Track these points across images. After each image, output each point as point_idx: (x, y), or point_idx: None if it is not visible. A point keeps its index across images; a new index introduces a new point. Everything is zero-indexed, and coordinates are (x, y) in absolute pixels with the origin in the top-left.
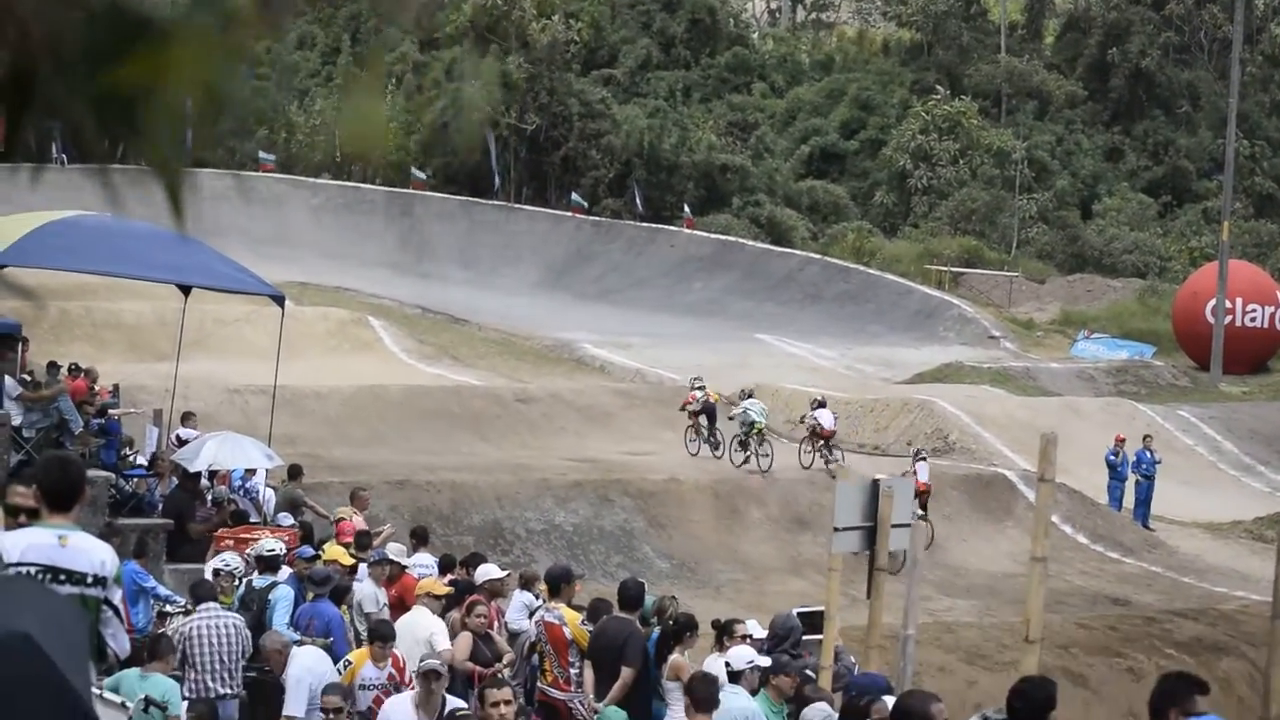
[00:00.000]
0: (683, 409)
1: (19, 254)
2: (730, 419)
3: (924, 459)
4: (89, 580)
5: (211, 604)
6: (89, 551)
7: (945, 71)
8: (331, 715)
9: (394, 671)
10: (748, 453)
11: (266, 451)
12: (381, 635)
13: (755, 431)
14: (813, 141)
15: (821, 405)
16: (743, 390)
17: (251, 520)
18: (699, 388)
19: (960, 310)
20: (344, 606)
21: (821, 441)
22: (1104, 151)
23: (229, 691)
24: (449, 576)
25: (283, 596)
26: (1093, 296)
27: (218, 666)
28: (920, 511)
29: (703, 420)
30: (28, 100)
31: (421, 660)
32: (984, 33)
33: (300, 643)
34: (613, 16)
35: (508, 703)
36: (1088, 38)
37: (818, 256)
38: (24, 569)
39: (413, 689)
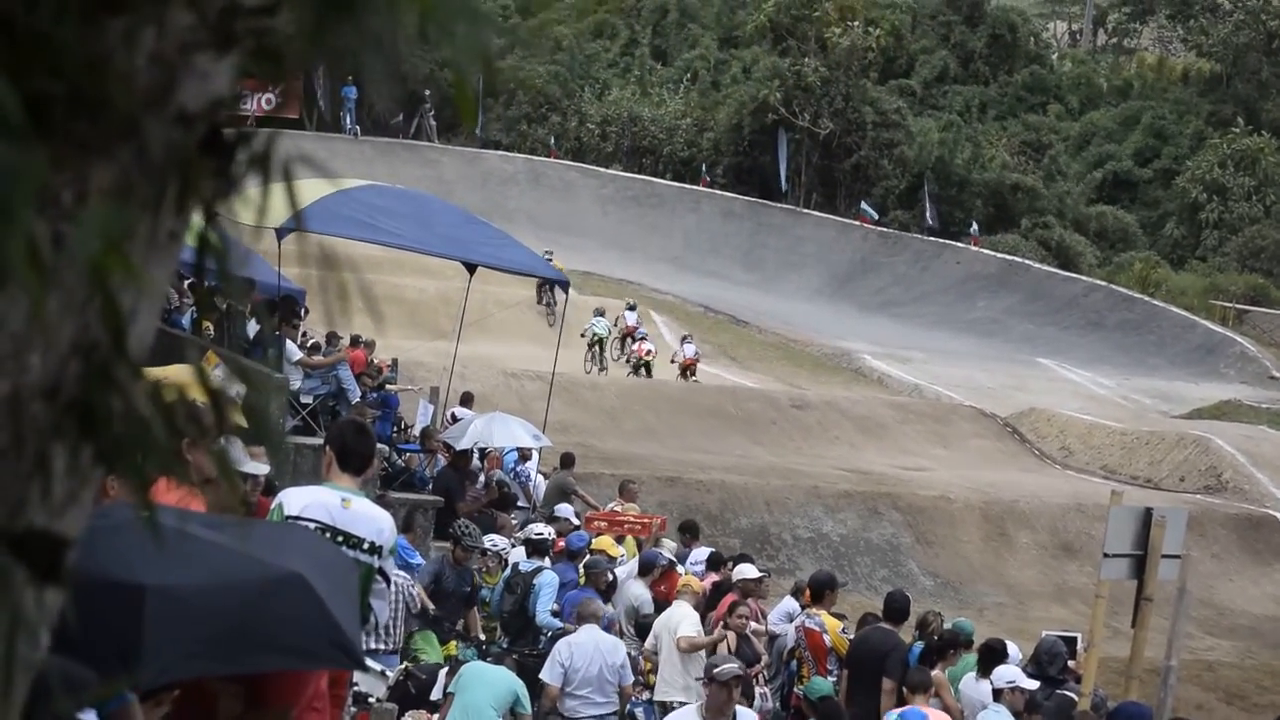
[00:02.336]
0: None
1: (309, 219)
2: (581, 335)
3: (689, 339)
4: (365, 546)
5: None
6: (370, 518)
7: (1243, 105)
8: None
9: None
10: (589, 357)
11: (534, 432)
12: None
13: (598, 341)
14: (1105, 167)
15: (687, 339)
16: (595, 309)
17: (520, 504)
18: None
19: (1243, 348)
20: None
21: (688, 370)
22: None
23: (382, 647)
24: (712, 577)
25: (547, 582)
26: None
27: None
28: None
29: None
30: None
31: (717, 668)
32: None
33: (562, 630)
34: (913, 26)
35: None
36: None
37: (1103, 283)
38: (302, 525)
39: (702, 697)
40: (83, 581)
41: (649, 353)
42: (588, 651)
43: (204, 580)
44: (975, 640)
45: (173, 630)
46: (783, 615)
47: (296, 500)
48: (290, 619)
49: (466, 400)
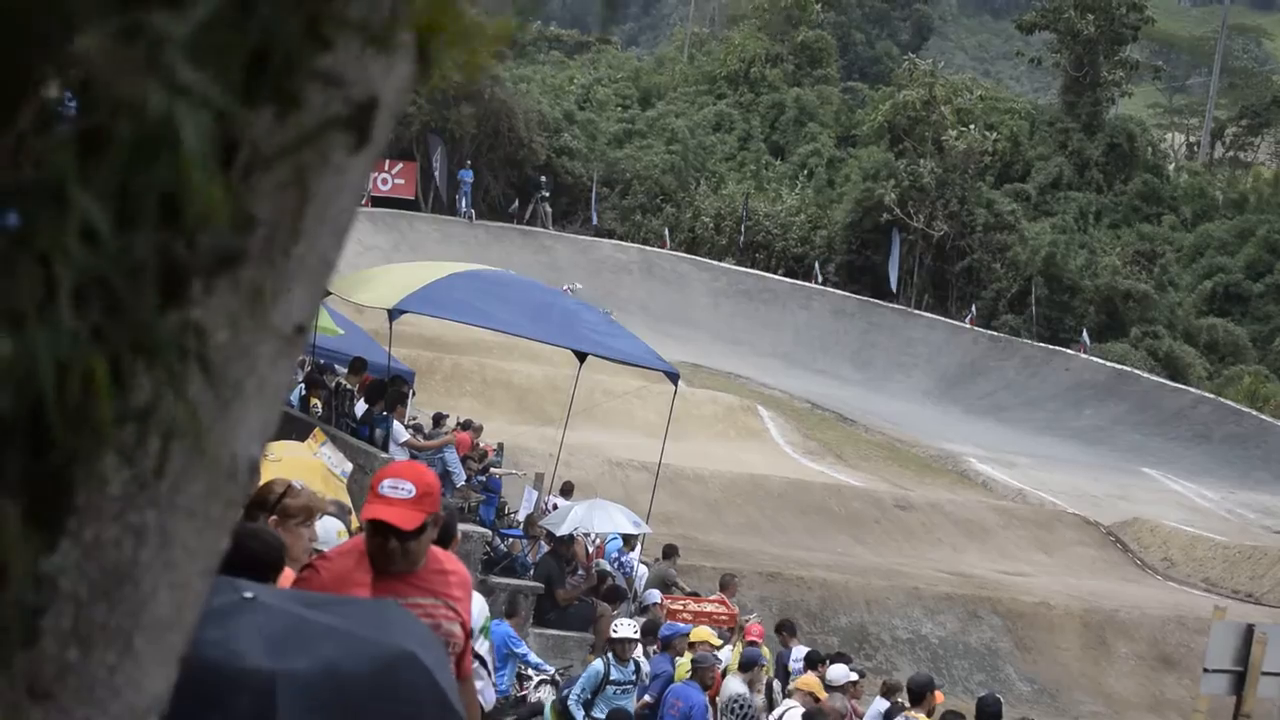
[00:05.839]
0: None
1: (421, 302)
2: None
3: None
4: None
5: None
6: None
7: None
8: None
9: None
10: None
11: (634, 519)
12: None
13: None
14: (1216, 279)
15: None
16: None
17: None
18: None
19: None
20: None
21: None
22: None
23: None
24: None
25: (590, 673)
26: None
27: None
28: None
29: None
30: None
31: None
32: None
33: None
34: (1031, 133)
35: None
36: None
37: (1211, 396)
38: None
39: None
40: (210, 667)
41: None
42: None
43: (325, 664)
44: None
45: (303, 718)
46: (876, 716)
47: None
48: (407, 700)
49: (566, 490)
